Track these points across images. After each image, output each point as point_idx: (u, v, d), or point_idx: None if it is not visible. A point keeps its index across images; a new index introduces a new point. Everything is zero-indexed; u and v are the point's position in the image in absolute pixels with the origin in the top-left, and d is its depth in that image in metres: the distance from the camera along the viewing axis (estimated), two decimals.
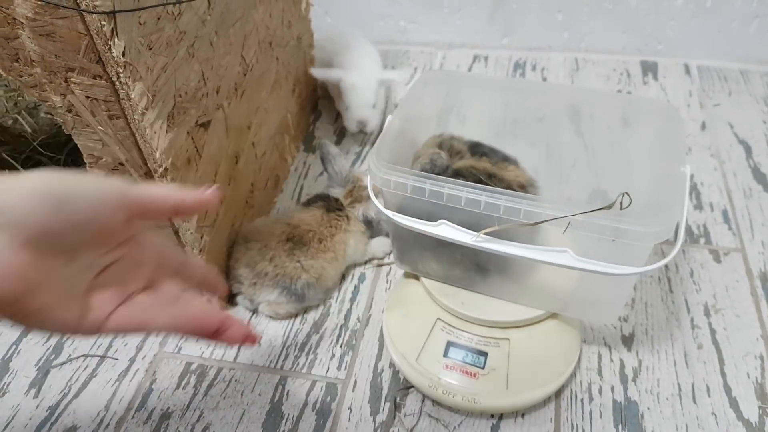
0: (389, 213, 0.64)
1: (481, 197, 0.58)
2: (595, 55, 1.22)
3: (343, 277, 0.82)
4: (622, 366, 0.70)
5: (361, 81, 0.96)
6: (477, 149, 0.75)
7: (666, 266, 0.81)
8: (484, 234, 0.59)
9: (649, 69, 1.18)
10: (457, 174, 0.69)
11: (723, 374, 0.69)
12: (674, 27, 1.15)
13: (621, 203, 0.56)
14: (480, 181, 0.67)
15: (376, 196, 0.65)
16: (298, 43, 0.96)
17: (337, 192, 0.82)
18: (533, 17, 1.20)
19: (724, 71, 1.16)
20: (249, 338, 0.47)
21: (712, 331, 0.74)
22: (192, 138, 0.64)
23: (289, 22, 0.90)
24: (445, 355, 0.67)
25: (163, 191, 0.42)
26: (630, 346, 0.72)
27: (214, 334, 0.45)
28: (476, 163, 0.72)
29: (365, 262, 0.84)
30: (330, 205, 0.79)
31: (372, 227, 0.82)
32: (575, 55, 1.23)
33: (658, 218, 0.54)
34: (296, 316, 0.77)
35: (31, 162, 0.82)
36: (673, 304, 0.77)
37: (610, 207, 0.54)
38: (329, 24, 1.29)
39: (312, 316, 0.77)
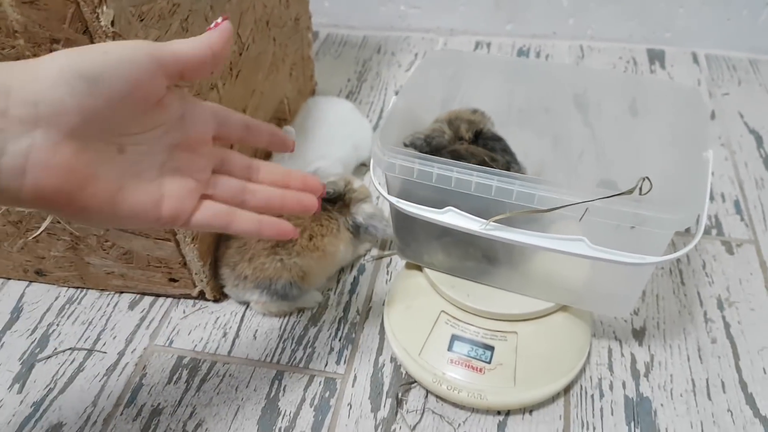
0: (393, 199, 0.61)
1: (493, 182, 0.54)
2: (601, 43, 1.19)
3: (342, 269, 0.78)
4: (634, 361, 0.68)
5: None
6: (485, 143, 0.70)
7: (678, 258, 0.78)
8: (494, 222, 0.56)
9: (657, 57, 1.15)
10: (455, 154, 0.65)
11: (738, 369, 0.67)
12: (683, 15, 1.12)
13: (641, 188, 0.53)
14: (483, 163, 0.64)
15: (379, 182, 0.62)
16: (295, 24, 0.92)
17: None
18: (538, 3, 1.16)
19: (733, 60, 1.13)
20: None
21: (726, 325, 0.71)
22: None
23: (287, 2, 0.87)
24: (450, 349, 0.63)
25: (192, 41, 0.39)
26: (641, 340, 0.70)
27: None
28: (475, 150, 0.68)
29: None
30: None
31: (360, 233, 0.74)
32: (581, 42, 1.19)
33: (680, 205, 0.51)
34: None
35: None
36: (685, 297, 0.74)
37: (630, 192, 0.52)
38: (327, 8, 1.25)
39: (310, 308, 0.74)
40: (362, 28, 1.27)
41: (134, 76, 0.35)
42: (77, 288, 0.78)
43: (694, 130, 0.64)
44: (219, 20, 0.41)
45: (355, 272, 0.79)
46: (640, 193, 0.53)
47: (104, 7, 0.46)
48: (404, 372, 0.66)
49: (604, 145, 0.79)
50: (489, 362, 0.62)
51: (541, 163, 0.83)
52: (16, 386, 0.67)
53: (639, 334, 0.70)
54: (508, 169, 0.68)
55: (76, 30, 0.48)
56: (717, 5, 1.10)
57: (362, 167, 0.93)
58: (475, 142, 0.71)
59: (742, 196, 0.86)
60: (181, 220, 0.41)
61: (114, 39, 0.48)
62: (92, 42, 0.48)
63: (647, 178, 0.53)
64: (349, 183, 0.75)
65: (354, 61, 1.18)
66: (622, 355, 0.68)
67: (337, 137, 0.87)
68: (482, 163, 0.65)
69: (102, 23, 0.47)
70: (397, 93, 0.65)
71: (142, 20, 0.51)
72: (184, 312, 0.74)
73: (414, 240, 0.68)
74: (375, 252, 0.81)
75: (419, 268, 0.70)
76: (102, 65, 0.34)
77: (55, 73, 0.33)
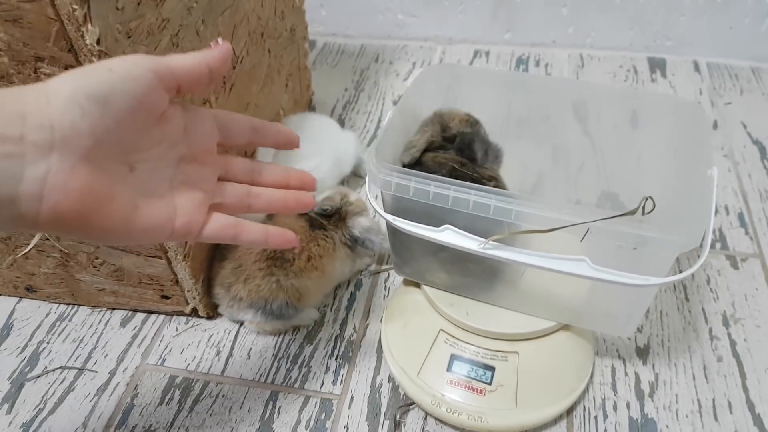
0: (389, 217, 0.59)
1: (491, 201, 0.53)
2: (600, 52, 1.17)
3: (339, 284, 0.77)
4: (638, 380, 0.66)
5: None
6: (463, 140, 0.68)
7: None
8: (493, 241, 0.54)
9: (657, 66, 1.13)
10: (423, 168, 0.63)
11: (745, 389, 0.65)
12: (684, 23, 1.11)
13: (643, 208, 0.52)
14: (452, 170, 0.62)
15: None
16: (291, 35, 0.91)
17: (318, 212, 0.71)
18: (537, 12, 1.15)
19: (735, 69, 1.12)
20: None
21: (732, 343, 0.69)
22: None
23: (282, 13, 0.85)
24: (449, 369, 0.62)
25: (190, 56, 0.39)
26: (645, 358, 0.68)
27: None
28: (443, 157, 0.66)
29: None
30: (313, 220, 0.70)
31: (357, 246, 0.72)
32: (580, 51, 1.18)
33: (684, 226, 0.50)
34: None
35: None
36: (689, 313, 0.72)
37: (633, 213, 0.50)
38: (324, 17, 1.24)
39: (305, 326, 0.72)
40: (360, 37, 1.26)
41: (139, 92, 0.35)
42: (68, 304, 0.76)
43: (697, 145, 0.62)
44: (220, 40, 0.41)
45: (351, 288, 0.77)
46: (643, 213, 0.51)
47: (89, 26, 0.45)
48: (402, 393, 0.65)
49: (604, 156, 0.78)
50: (489, 383, 0.61)
51: (540, 173, 0.81)
52: (5, 406, 0.66)
53: (643, 353, 0.68)
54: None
55: (60, 48, 0.46)
56: (718, 13, 1.09)
57: (359, 179, 0.92)
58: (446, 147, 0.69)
59: (746, 209, 0.85)
60: (194, 234, 0.42)
61: (100, 57, 0.47)
62: (77, 60, 0.47)
63: (650, 197, 0.51)
64: (345, 196, 0.73)
65: (351, 70, 1.17)
66: (626, 374, 0.67)
67: (319, 152, 0.83)
68: (451, 170, 0.63)
69: (87, 41, 0.45)
70: (395, 103, 0.64)
71: (129, 37, 0.50)
72: (176, 329, 0.73)
73: (411, 256, 0.66)
74: (373, 266, 0.80)
75: (417, 285, 0.69)
76: (109, 84, 0.34)
77: (67, 97, 0.33)
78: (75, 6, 0.44)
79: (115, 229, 0.36)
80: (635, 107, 0.72)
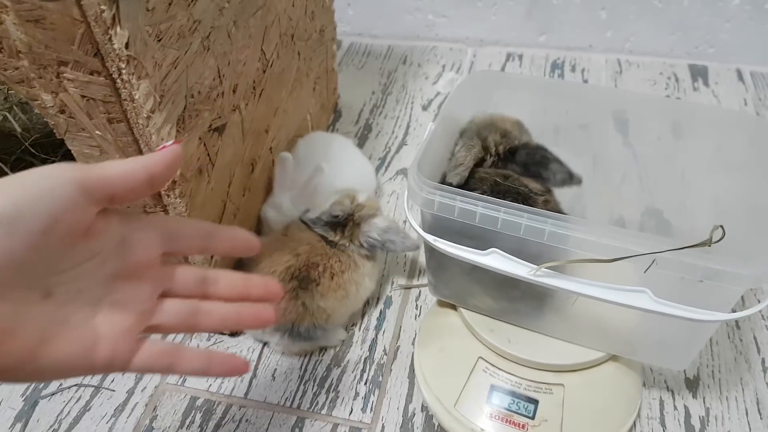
0: (429, 237, 0.55)
1: (546, 226, 0.49)
2: (640, 57, 1.12)
3: (367, 302, 0.73)
4: (688, 415, 0.62)
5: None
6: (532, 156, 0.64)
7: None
8: (546, 268, 0.50)
9: (699, 74, 1.08)
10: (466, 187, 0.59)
11: None
12: (728, 29, 1.06)
13: (711, 237, 0.47)
14: (494, 185, 0.58)
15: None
16: (320, 36, 0.87)
17: (323, 227, 0.66)
18: (574, 14, 1.10)
19: None
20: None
21: None
22: (204, 144, 0.55)
23: (313, 13, 0.81)
24: (488, 401, 0.58)
25: (126, 163, 0.34)
26: (695, 391, 0.64)
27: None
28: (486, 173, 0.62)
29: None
30: (326, 239, 0.65)
31: (377, 251, 0.66)
32: (618, 56, 1.13)
33: (757, 259, 0.46)
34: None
35: (22, 164, 0.73)
36: (741, 342, 0.68)
37: (704, 244, 0.46)
38: (350, 16, 1.20)
39: (332, 346, 0.69)
40: (387, 38, 1.22)
41: (55, 209, 0.30)
42: None
43: (760, 164, 0.58)
44: (168, 143, 0.36)
45: (381, 305, 0.73)
46: (710, 244, 0.47)
47: (117, 28, 0.41)
48: (437, 424, 0.61)
49: (647, 169, 0.74)
50: (532, 417, 0.57)
51: (582, 185, 0.77)
52: (18, 425, 0.63)
53: (693, 384, 0.64)
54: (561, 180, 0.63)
55: (85, 52, 0.43)
56: (765, 19, 1.03)
57: None
58: (507, 159, 0.65)
59: None
60: (118, 366, 0.36)
61: (129, 62, 0.43)
62: (104, 65, 0.43)
63: (721, 226, 0.47)
64: (354, 199, 0.68)
65: (378, 72, 1.13)
66: (675, 408, 0.62)
67: (338, 178, 0.75)
68: (493, 185, 0.59)
69: (115, 46, 0.42)
70: (424, 108, 0.59)
71: (159, 40, 0.46)
72: (198, 346, 0.69)
73: (450, 278, 0.62)
74: (403, 281, 0.76)
75: (453, 307, 0.65)
76: (20, 204, 0.29)
77: None
78: (103, 7, 0.40)
79: (15, 368, 0.31)
80: (678, 116, 0.67)
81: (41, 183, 0.30)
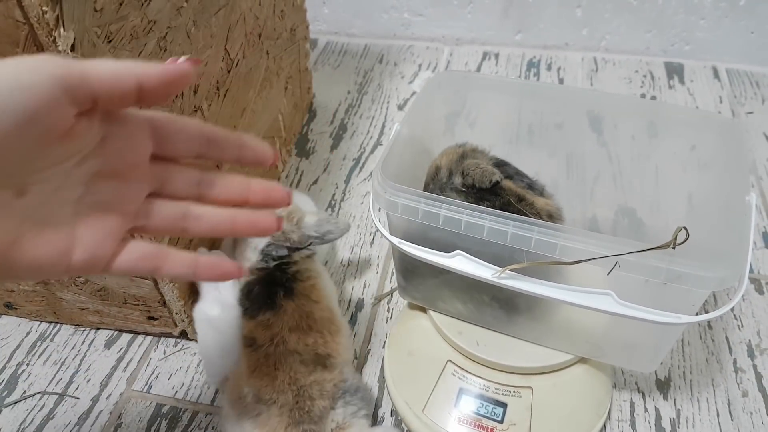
0: (395, 240, 0.54)
1: (508, 228, 0.48)
2: (616, 55, 1.12)
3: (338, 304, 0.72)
4: (658, 417, 0.61)
5: None
6: (503, 170, 0.64)
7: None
8: (510, 270, 0.50)
9: (675, 71, 1.08)
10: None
11: None
12: (704, 27, 1.06)
13: (675, 239, 0.47)
14: (508, 204, 0.57)
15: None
16: (291, 35, 0.85)
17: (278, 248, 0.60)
18: (550, 12, 1.10)
19: (756, 76, 1.06)
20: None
21: (758, 375, 0.64)
22: None
23: (282, 12, 0.80)
24: (457, 405, 0.57)
25: (117, 65, 0.31)
26: (666, 392, 0.63)
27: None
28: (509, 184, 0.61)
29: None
30: (277, 275, 0.60)
31: (322, 241, 0.62)
32: (594, 54, 1.13)
33: (722, 262, 0.45)
34: None
35: None
36: (713, 342, 0.68)
37: (667, 246, 0.45)
38: (326, 14, 1.19)
39: None
40: (364, 36, 1.21)
41: (32, 106, 0.28)
42: (50, 322, 0.72)
43: (731, 165, 0.57)
44: (182, 59, 0.33)
45: (352, 308, 0.72)
46: (674, 246, 0.46)
47: (62, 30, 0.40)
48: (406, 429, 0.60)
49: (621, 168, 0.73)
50: (501, 421, 0.56)
51: (555, 184, 0.77)
52: None
53: (663, 386, 0.64)
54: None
55: (31, 55, 0.41)
56: (740, 17, 1.04)
57: None
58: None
59: None
60: (99, 268, 0.34)
61: None
62: None
63: (684, 227, 0.46)
64: (288, 217, 0.62)
65: (354, 71, 1.12)
66: (646, 410, 0.62)
67: None
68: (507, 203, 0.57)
69: (60, 48, 0.40)
70: (400, 108, 0.58)
71: (110, 41, 0.45)
72: (164, 353, 0.68)
73: (418, 281, 0.61)
74: (375, 284, 0.75)
75: (423, 310, 0.64)
76: None
77: None
78: (45, 8, 0.39)
79: None
80: (653, 119, 0.67)
81: (19, 77, 0.28)
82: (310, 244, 0.61)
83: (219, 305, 0.60)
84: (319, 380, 0.54)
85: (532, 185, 0.62)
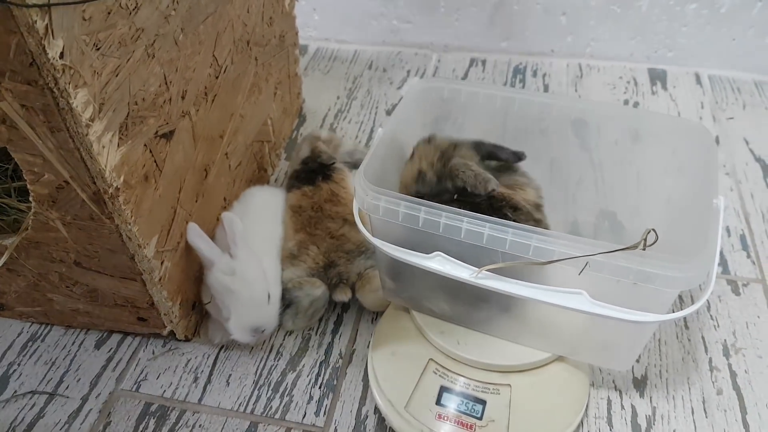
0: (377, 242, 0.56)
1: (485, 230, 0.50)
2: (600, 62, 1.14)
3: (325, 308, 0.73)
4: (635, 414, 0.63)
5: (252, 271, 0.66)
6: (481, 150, 0.66)
7: (681, 299, 0.73)
8: (487, 270, 0.51)
9: (658, 78, 1.10)
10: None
11: (745, 424, 0.62)
12: (686, 34, 1.08)
13: (645, 241, 0.49)
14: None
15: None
16: (280, 42, 0.87)
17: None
18: (535, 20, 1.12)
19: (738, 82, 1.08)
20: None
21: (733, 374, 0.66)
22: (150, 151, 0.56)
23: (271, 19, 0.82)
24: (438, 402, 0.59)
25: None
26: (642, 390, 0.65)
27: None
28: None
29: None
30: (317, 167, 0.78)
31: (353, 160, 0.82)
32: (579, 60, 1.15)
33: (689, 262, 0.47)
34: (270, 350, 0.69)
35: None
36: (689, 342, 0.69)
37: (635, 247, 0.47)
38: (316, 21, 1.21)
39: (288, 350, 0.69)
40: (353, 43, 1.22)
41: None
42: (41, 324, 0.73)
43: (702, 170, 0.59)
44: None
45: (339, 310, 0.74)
46: (644, 248, 0.48)
47: (51, 38, 0.41)
48: (389, 426, 0.61)
49: (603, 172, 0.75)
50: (480, 418, 0.58)
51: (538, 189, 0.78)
52: None
53: (640, 384, 0.65)
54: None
55: (21, 63, 0.43)
56: (722, 24, 1.06)
57: None
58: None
59: (749, 231, 0.82)
60: None
61: (64, 72, 0.43)
62: (40, 75, 0.43)
63: (653, 230, 0.48)
64: (316, 148, 0.81)
65: (344, 77, 1.14)
66: (622, 407, 0.63)
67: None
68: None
69: (50, 55, 0.42)
70: (388, 113, 0.60)
71: (98, 48, 0.47)
72: (153, 353, 0.69)
73: (401, 282, 0.63)
74: None
75: (407, 310, 0.65)
76: None
77: None
78: (35, 17, 0.40)
79: None
80: (636, 126, 0.69)
81: None
82: (333, 163, 0.79)
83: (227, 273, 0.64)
84: (347, 233, 0.70)
85: (518, 154, 0.66)
